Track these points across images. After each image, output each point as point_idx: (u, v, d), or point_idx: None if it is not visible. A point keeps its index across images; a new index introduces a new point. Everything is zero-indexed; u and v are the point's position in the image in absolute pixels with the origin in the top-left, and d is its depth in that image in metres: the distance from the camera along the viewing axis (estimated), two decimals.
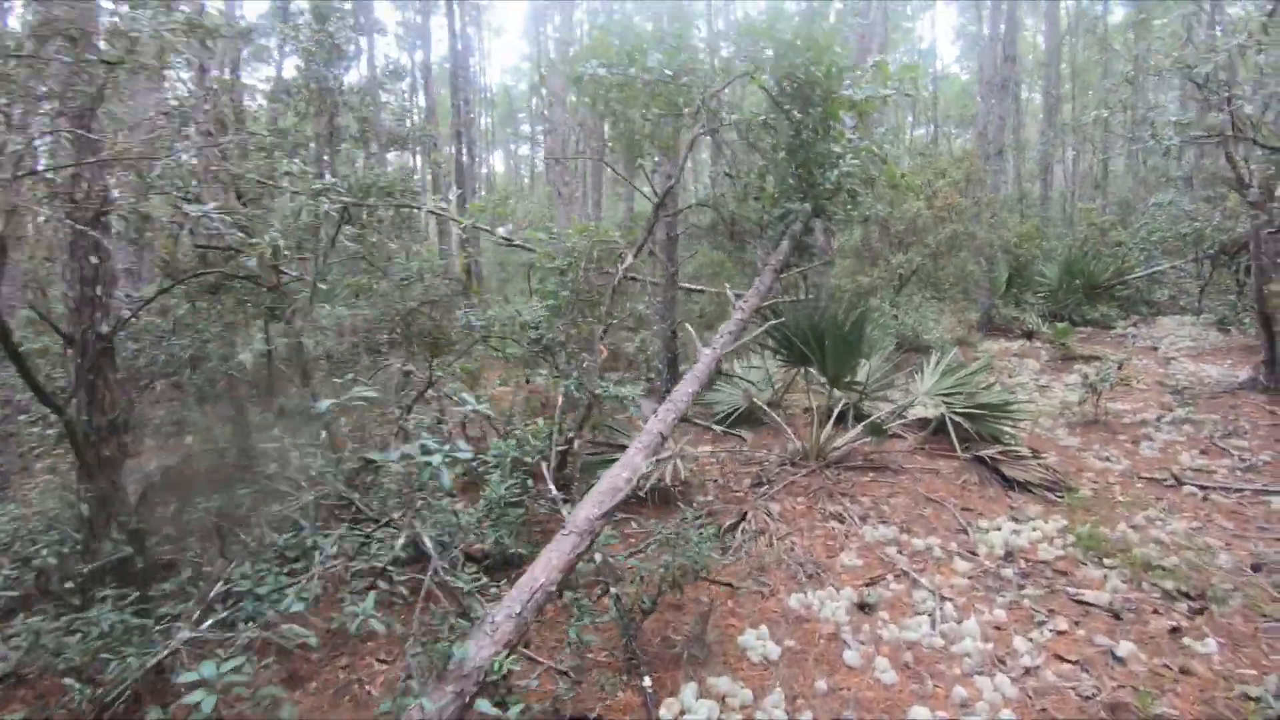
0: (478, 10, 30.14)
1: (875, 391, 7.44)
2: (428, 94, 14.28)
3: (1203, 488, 5.31)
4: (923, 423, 7.13)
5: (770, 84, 4.57)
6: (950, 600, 4.00)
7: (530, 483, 4.88)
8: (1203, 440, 6.45)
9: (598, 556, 3.63)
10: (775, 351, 6.75)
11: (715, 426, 7.50)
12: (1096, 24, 26.82)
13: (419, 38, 23.11)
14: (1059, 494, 5.43)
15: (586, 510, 2.96)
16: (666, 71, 4.54)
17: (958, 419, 6.51)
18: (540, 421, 5.33)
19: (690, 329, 5.04)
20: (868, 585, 4.28)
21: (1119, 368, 7.54)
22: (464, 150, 15.73)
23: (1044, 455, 6.12)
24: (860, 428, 6.58)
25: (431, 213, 8.49)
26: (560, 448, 5.45)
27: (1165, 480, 5.52)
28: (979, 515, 5.20)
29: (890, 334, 9.76)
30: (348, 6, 12.01)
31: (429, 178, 20.37)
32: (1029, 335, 12.24)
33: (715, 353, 4.23)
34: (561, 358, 4.87)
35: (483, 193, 23.92)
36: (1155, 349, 11.19)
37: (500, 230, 7.85)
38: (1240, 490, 5.19)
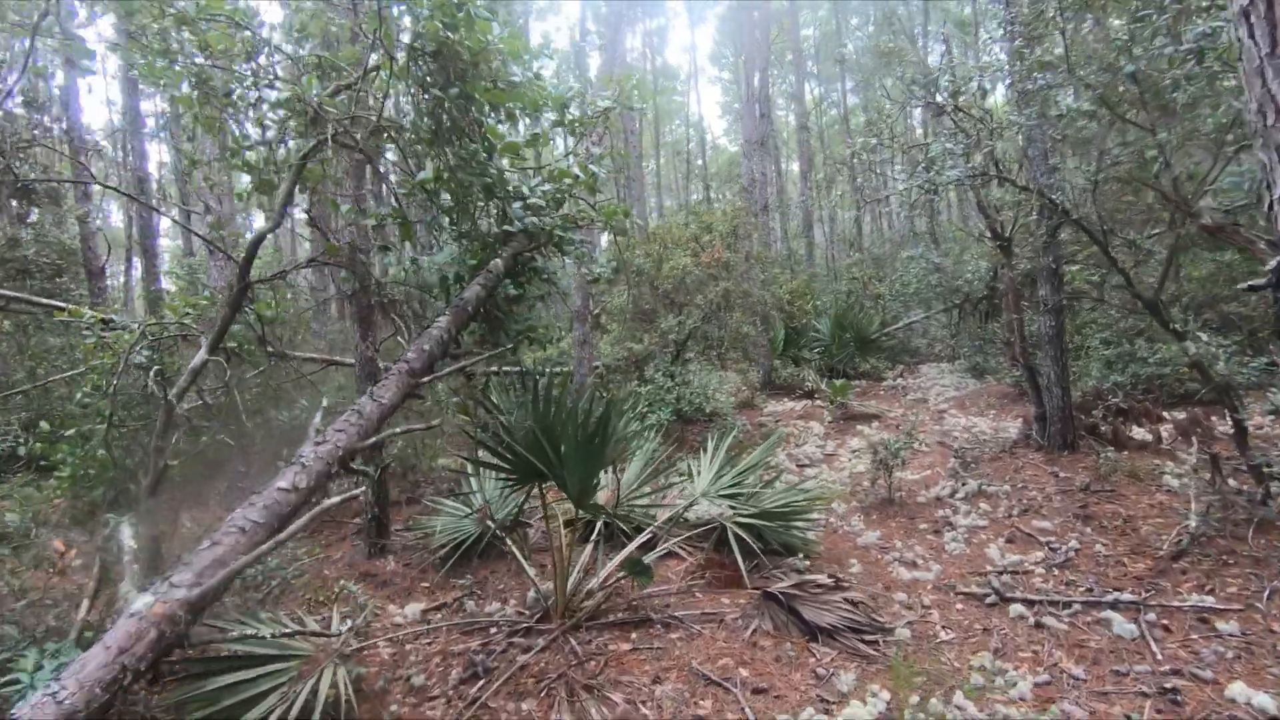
0: None
1: (639, 499, 5.78)
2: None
3: (1030, 604, 4.19)
4: (705, 531, 5.55)
5: (404, 60, 2.77)
6: None
7: None
8: (1004, 523, 5.57)
9: None
10: (494, 467, 4.79)
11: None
12: (832, 107, 30.00)
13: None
14: (871, 639, 4.00)
15: None
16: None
17: (742, 532, 5.01)
18: None
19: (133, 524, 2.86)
20: None
21: (909, 435, 6.66)
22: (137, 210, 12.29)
23: (845, 578, 4.73)
24: (617, 562, 4.82)
25: None
26: None
27: (986, 596, 4.35)
28: (777, 699, 3.56)
29: (668, 408, 8.35)
30: None
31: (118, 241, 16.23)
32: (810, 395, 11.69)
33: (167, 607, 1.84)
34: None
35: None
36: (925, 401, 11.10)
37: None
38: (1069, 604, 4.13)
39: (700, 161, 36.95)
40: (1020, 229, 6.92)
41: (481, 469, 5.52)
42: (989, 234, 6.92)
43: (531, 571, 4.98)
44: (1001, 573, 4.68)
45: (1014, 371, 10.31)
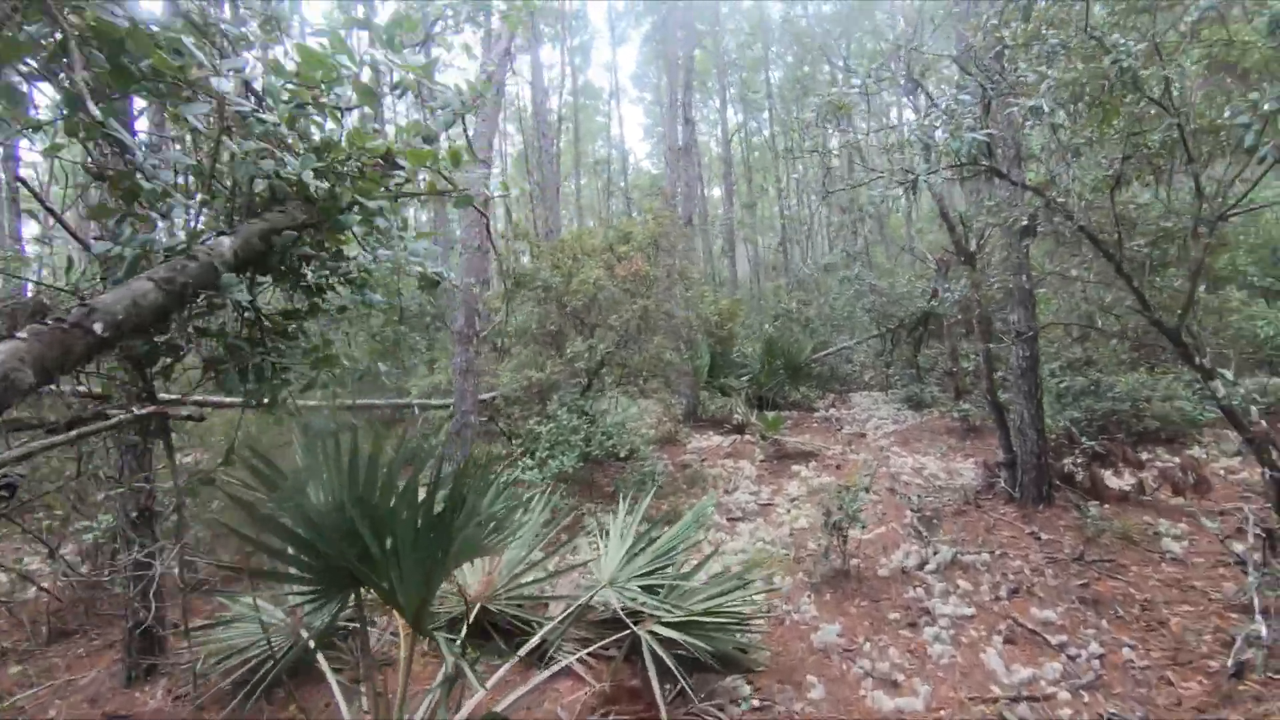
0: None
1: (526, 584, 4.24)
2: None
3: None
4: (614, 630, 4.04)
5: None
6: None
7: None
8: (994, 611, 4.37)
9: None
10: (277, 578, 3.16)
11: None
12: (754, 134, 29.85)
13: None
14: None
15: None
16: None
17: (661, 645, 3.55)
18: None
19: None
20: None
21: (865, 490, 5.41)
22: None
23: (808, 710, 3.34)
24: (474, 706, 3.25)
25: None
26: None
27: None
28: None
29: (573, 451, 6.84)
30: None
31: None
32: (739, 429, 10.45)
33: None
34: None
35: None
36: (864, 435, 10.07)
37: None
38: None
39: (622, 183, 36.02)
40: (984, 244, 5.90)
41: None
42: (952, 248, 5.86)
43: (356, 710, 3.33)
44: (1016, 699, 3.41)
45: (959, 405, 9.43)
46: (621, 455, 6.87)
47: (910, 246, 11.74)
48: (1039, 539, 5.33)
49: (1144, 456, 7.10)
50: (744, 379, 12.36)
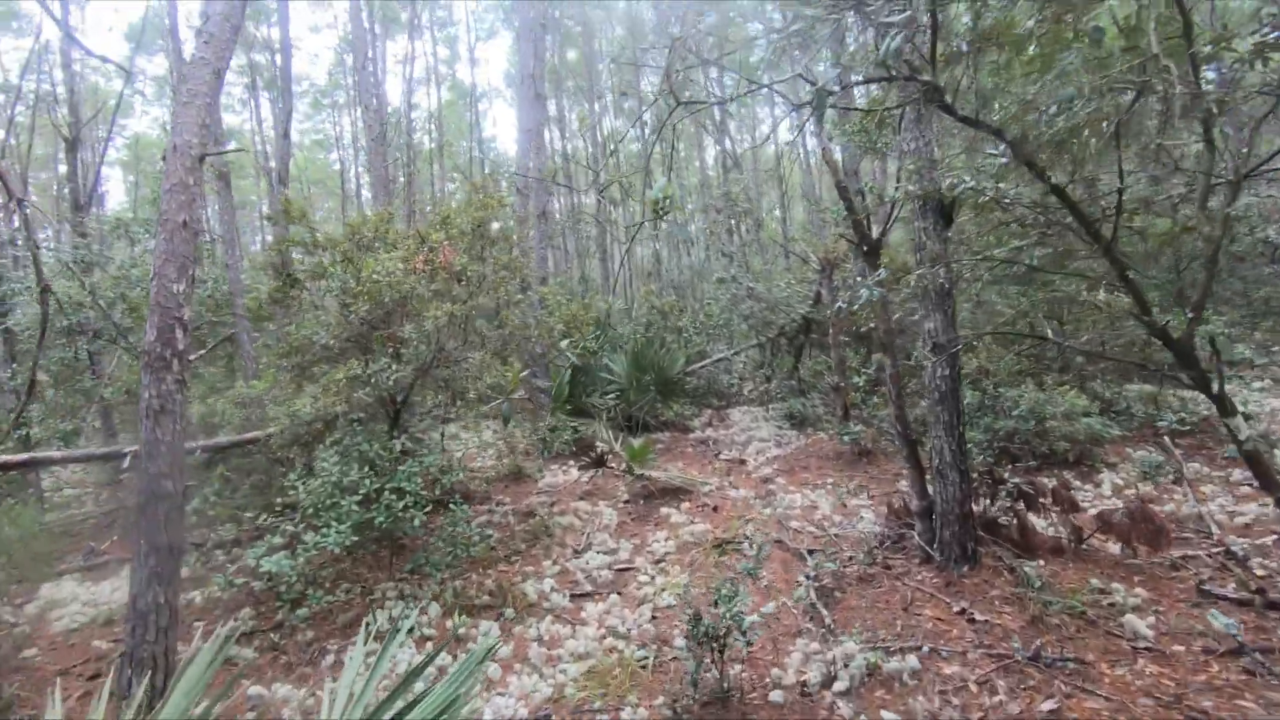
0: None
1: None
2: None
3: None
4: None
5: None
6: None
7: None
8: None
9: None
10: None
11: None
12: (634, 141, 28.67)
13: None
14: None
15: None
16: None
17: None
18: None
19: None
20: None
21: (752, 572, 3.80)
22: None
23: None
24: None
25: None
26: None
27: None
28: None
29: (346, 522, 4.80)
30: None
31: None
32: (601, 460, 8.71)
33: None
34: None
35: None
36: (744, 462, 8.67)
37: None
38: None
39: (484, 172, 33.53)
40: (889, 228, 4.53)
41: None
42: (852, 235, 4.43)
43: None
44: None
45: (848, 426, 8.23)
46: (414, 521, 4.88)
47: (788, 249, 10.54)
48: (973, 622, 3.97)
49: (1051, 483, 6.11)
50: (610, 397, 10.66)
